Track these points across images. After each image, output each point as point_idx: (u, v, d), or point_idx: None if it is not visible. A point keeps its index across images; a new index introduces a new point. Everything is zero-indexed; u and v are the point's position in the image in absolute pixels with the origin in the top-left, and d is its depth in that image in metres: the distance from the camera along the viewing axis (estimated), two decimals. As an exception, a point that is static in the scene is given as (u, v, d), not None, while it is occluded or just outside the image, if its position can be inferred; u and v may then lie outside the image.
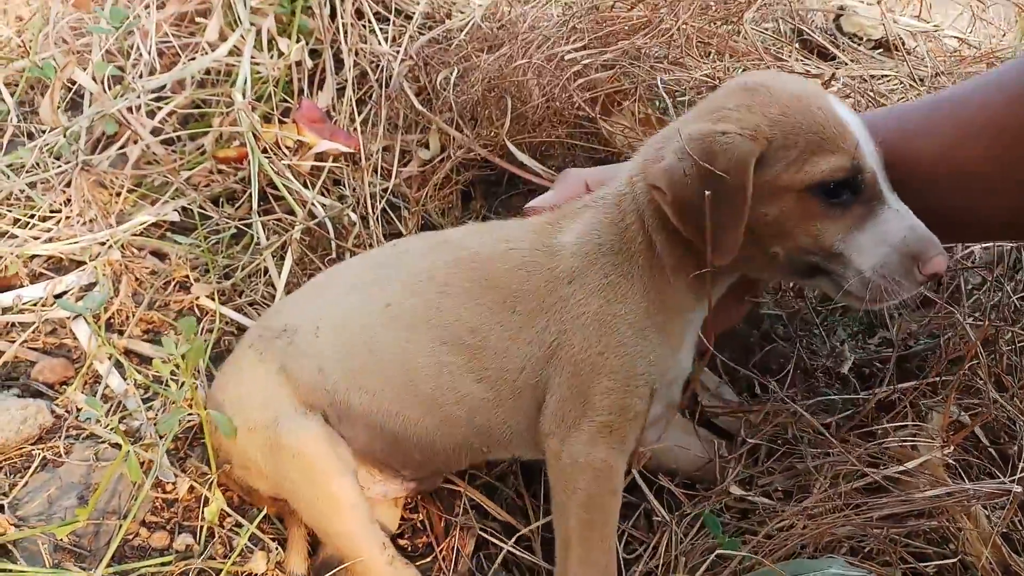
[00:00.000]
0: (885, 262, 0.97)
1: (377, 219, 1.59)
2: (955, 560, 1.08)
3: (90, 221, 1.59)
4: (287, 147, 1.65)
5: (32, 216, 1.59)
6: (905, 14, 2.02)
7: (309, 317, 1.17)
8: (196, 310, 1.49)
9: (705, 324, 1.11)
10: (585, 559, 1.07)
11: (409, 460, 1.17)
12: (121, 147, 1.72)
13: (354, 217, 1.57)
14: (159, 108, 1.75)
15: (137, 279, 1.52)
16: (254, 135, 1.62)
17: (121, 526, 1.14)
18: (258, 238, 1.57)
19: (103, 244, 1.52)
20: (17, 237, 1.55)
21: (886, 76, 1.65)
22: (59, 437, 1.27)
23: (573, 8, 1.63)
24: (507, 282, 1.10)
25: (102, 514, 1.18)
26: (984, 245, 1.37)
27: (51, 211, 1.61)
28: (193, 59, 1.81)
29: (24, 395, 1.33)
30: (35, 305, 1.45)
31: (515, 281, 1.10)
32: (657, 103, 1.52)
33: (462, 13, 1.82)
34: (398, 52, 1.73)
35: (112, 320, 1.45)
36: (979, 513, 1.09)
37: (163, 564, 1.14)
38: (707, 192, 0.95)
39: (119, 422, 1.27)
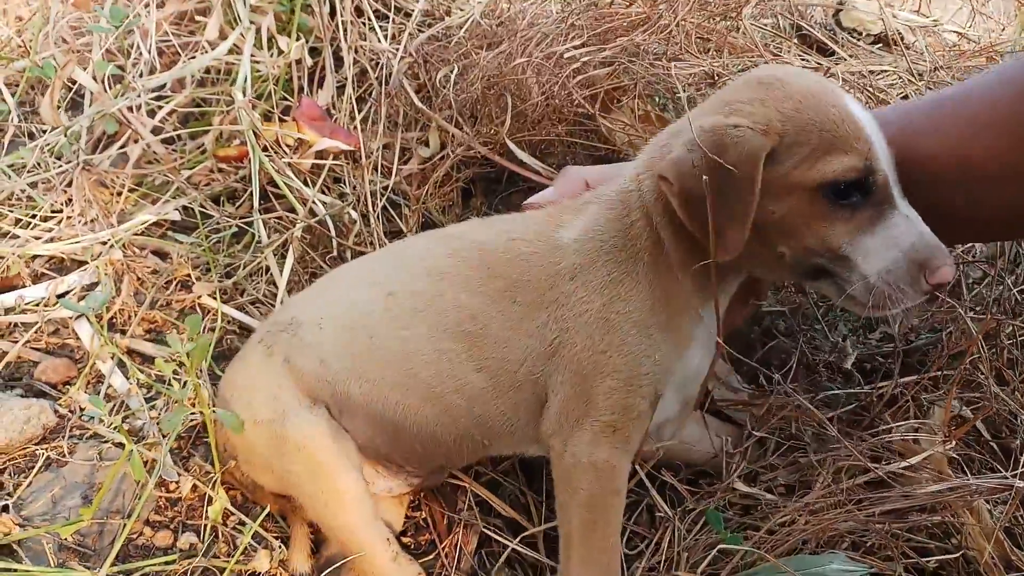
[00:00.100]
0: (892, 268, 0.95)
1: (378, 217, 1.59)
2: (957, 555, 1.08)
3: (91, 221, 1.59)
4: (287, 145, 1.65)
5: (34, 216, 1.59)
6: (904, 9, 2.01)
7: (314, 310, 1.18)
8: (198, 309, 1.49)
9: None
10: (587, 559, 1.06)
11: (411, 454, 1.17)
12: (122, 146, 1.72)
13: (355, 215, 1.57)
14: (159, 107, 1.75)
15: (139, 278, 1.52)
16: (254, 133, 1.62)
17: (125, 525, 1.14)
18: (259, 236, 1.57)
19: (104, 244, 1.52)
20: (19, 237, 1.55)
21: (885, 71, 1.64)
22: (63, 437, 1.27)
23: (572, 5, 1.63)
24: (508, 271, 1.10)
25: (106, 513, 1.18)
26: (985, 242, 1.36)
27: (52, 211, 1.61)
28: (193, 58, 1.81)
29: (27, 395, 1.33)
30: (37, 305, 1.45)
31: (516, 271, 1.09)
32: (656, 99, 1.52)
33: (461, 10, 1.82)
34: (398, 50, 1.72)
35: (114, 320, 1.46)
36: (981, 508, 1.08)
37: (167, 563, 1.14)
38: (713, 184, 0.93)
39: (122, 421, 1.27)
